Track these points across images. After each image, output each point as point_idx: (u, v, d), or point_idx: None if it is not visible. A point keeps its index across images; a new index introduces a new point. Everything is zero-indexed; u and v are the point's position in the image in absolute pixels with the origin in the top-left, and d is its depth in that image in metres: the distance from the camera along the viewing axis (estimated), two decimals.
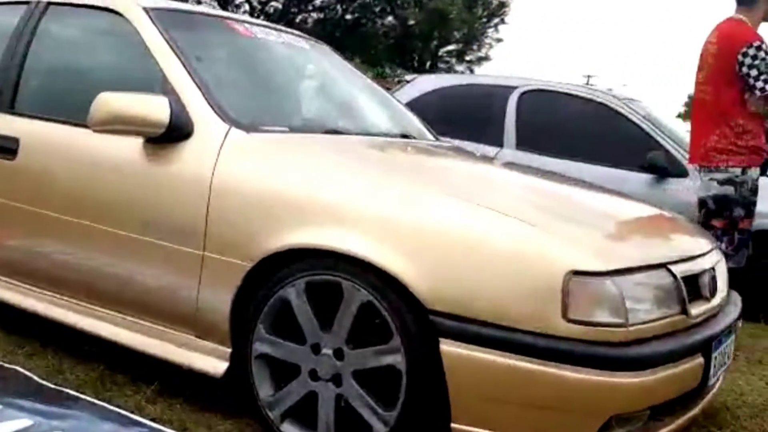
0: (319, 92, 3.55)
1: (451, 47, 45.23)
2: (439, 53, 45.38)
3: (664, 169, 5.06)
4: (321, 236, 2.35)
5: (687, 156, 4.61)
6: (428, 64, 45.55)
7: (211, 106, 2.72)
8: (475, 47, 45.14)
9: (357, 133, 3.20)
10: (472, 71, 46.12)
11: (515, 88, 5.80)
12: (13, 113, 3.16)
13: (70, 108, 3.04)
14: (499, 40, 48.04)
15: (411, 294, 2.19)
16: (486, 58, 45.71)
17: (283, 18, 39.58)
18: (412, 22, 43.06)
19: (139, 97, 2.68)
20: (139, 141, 2.74)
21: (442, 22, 42.65)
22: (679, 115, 57.48)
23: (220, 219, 2.54)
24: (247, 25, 3.46)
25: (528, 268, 2.12)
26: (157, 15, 3.04)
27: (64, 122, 3.02)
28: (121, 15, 3.08)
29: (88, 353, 2.99)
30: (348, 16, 39.90)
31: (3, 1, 3.58)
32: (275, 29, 3.66)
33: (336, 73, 3.83)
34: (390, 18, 43.57)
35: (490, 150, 5.22)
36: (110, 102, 2.63)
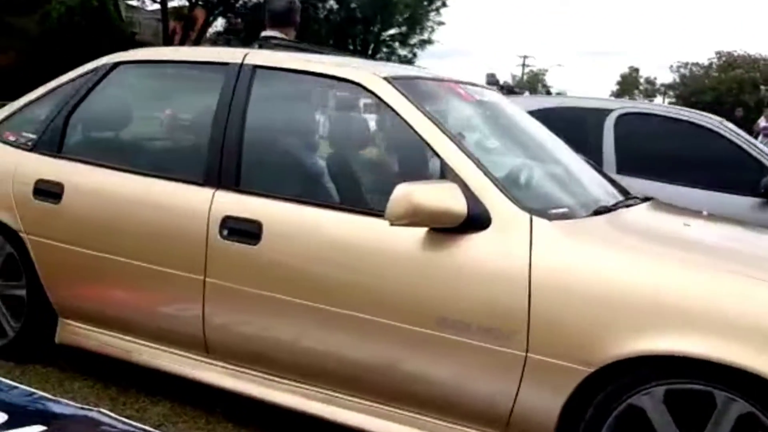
0: (544, 158, 3.39)
1: (393, 31, 45.06)
2: (382, 37, 45.13)
3: None
4: (683, 342, 2.24)
5: None
6: (371, 48, 45.28)
7: (503, 192, 2.58)
8: (417, 31, 45.04)
9: (607, 207, 3.02)
10: (414, 55, 46.09)
11: (611, 111, 5.74)
12: (242, 191, 2.94)
13: (319, 189, 2.86)
14: (440, 23, 48.17)
15: None
16: (429, 42, 45.69)
17: (224, 2, 38.68)
18: (354, 5, 42.64)
19: (435, 187, 2.52)
20: (416, 230, 2.57)
21: (385, 5, 42.36)
22: (612, 94, 59.28)
23: (546, 318, 2.40)
24: (462, 86, 3.30)
25: None
26: (402, 86, 2.87)
27: (314, 204, 2.82)
28: (360, 85, 2.89)
29: None
30: None
31: (190, 60, 3.34)
32: (471, 84, 3.50)
33: (534, 127, 3.66)
34: (332, 1, 42.98)
35: None
36: (411, 195, 2.46)
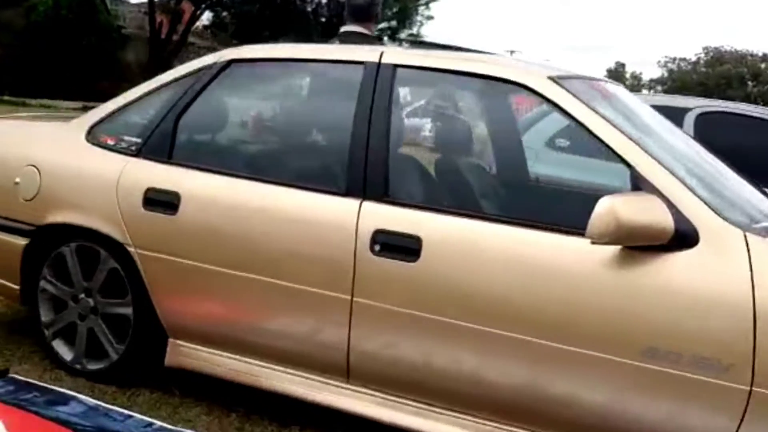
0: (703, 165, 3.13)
1: (382, 25, 44.71)
2: None
3: None
4: None
5: None
6: None
7: (709, 205, 2.33)
8: (407, 25, 44.70)
9: None
10: None
11: (691, 109, 5.53)
12: (393, 203, 2.67)
13: (485, 201, 2.60)
14: (430, 18, 47.88)
15: None
16: (418, 36, 45.39)
17: None
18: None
19: (638, 200, 2.28)
20: (612, 249, 2.32)
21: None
22: None
23: None
24: (600, 81, 3.04)
25: None
26: (569, 86, 2.62)
27: (481, 218, 2.57)
28: (522, 86, 2.63)
29: None
30: None
31: (315, 58, 3.06)
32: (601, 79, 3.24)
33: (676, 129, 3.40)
34: None
35: None
36: (616, 209, 2.21)
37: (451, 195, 2.73)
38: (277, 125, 3.19)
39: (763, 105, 46.64)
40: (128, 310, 3.13)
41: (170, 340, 3.09)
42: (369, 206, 2.67)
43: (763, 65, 52.54)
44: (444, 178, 2.81)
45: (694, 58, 57.10)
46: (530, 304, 2.43)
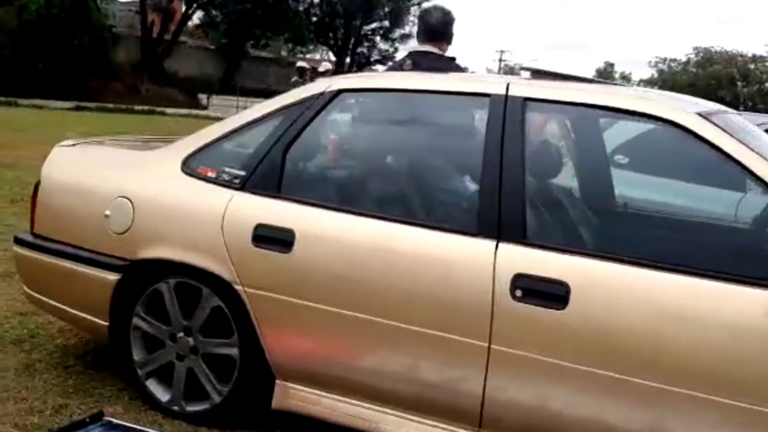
0: None
1: (375, 25, 44.64)
2: (363, 31, 44.69)
3: None
4: None
5: None
6: (351, 42, 44.82)
7: None
8: (399, 25, 44.65)
9: None
10: (396, 49, 45.73)
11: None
12: (532, 245, 2.56)
13: (641, 245, 2.49)
14: None
15: None
16: (410, 36, 45.32)
17: None
18: None
19: None
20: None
21: None
22: None
23: None
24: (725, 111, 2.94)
25: None
26: (720, 122, 2.52)
27: (638, 264, 2.44)
28: (670, 122, 2.53)
29: None
30: None
31: (433, 89, 2.94)
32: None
33: None
34: None
35: None
36: None
37: (598, 236, 2.62)
38: (396, 160, 3.05)
39: (752, 106, 46.98)
40: (233, 351, 3.00)
41: (278, 381, 2.97)
42: (506, 248, 2.55)
43: (752, 66, 52.84)
44: (589, 219, 2.70)
45: (684, 59, 57.48)
46: (701, 359, 2.32)
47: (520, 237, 2.56)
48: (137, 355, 3.21)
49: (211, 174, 3.09)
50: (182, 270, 3.05)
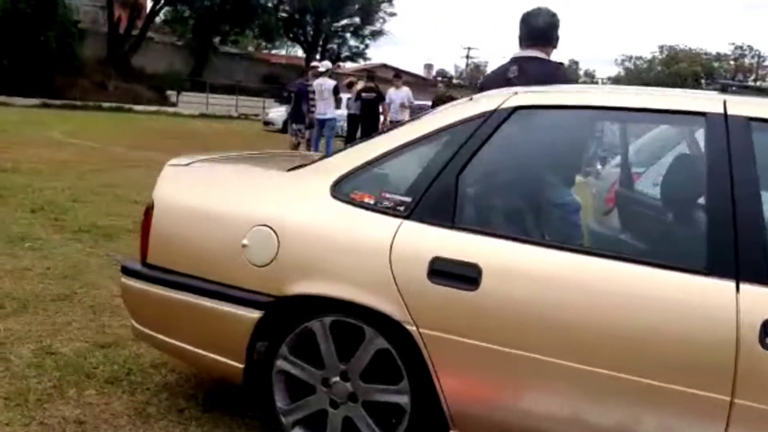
0: None
1: (345, 21, 44.19)
2: (333, 28, 44.24)
3: None
4: None
5: None
6: (322, 38, 44.35)
7: None
8: (370, 21, 44.28)
9: None
10: (367, 46, 45.42)
11: None
12: None
13: None
14: (392, 14, 47.57)
15: None
16: (381, 33, 45.07)
17: None
18: None
19: None
20: None
21: None
22: None
23: None
24: None
25: None
26: None
27: None
28: None
29: None
30: None
31: (634, 107, 2.65)
32: None
33: None
34: None
35: None
36: None
37: None
38: (595, 186, 2.75)
39: None
40: (402, 398, 2.69)
41: None
42: (750, 289, 2.27)
43: (716, 64, 53.61)
44: None
45: (649, 57, 58.08)
46: None
47: (764, 277, 2.28)
48: (281, 402, 2.88)
49: (368, 200, 2.77)
50: (340, 307, 2.72)
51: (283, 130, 23.88)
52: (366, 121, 14.22)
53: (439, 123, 2.81)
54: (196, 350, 3.01)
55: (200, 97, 36.67)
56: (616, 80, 59.13)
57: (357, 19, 43.76)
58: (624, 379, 2.38)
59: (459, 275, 2.54)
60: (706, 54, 53.49)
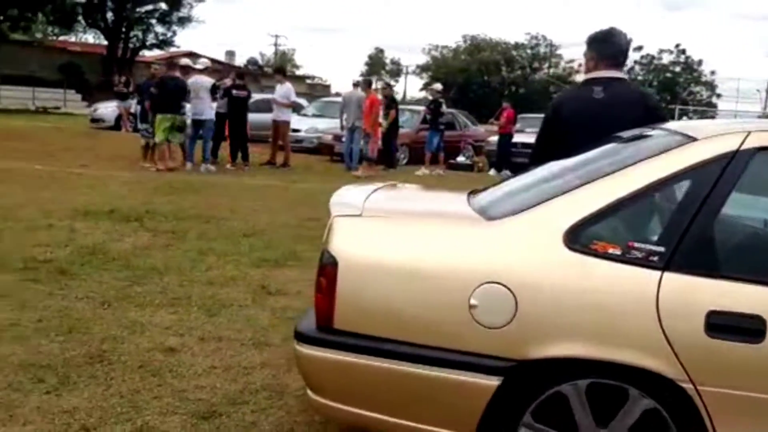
0: None
1: (149, 7, 41.97)
2: (137, 14, 41.93)
3: None
4: None
5: None
6: (124, 25, 41.97)
7: None
8: (177, 8, 42.37)
9: None
10: (174, 33, 43.48)
11: None
12: None
13: None
14: (200, 0, 45.64)
15: None
16: (188, 19, 43.32)
17: None
18: None
19: None
20: None
21: None
22: (362, 73, 60.88)
23: None
24: None
25: None
26: None
27: None
28: None
29: None
30: None
31: None
32: None
33: None
34: None
35: None
36: None
37: None
38: None
39: (515, 89, 50.45)
40: None
41: None
42: None
43: (515, 53, 56.70)
44: None
45: (454, 45, 60.19)
46: None
47: None
48: None
49: (613, 250, 2.59)
50: (596, 368, 2.54)
51: (116, 127, 22.34)
52: (234, 119, 13.60)
53: (673, 167, 2.68)
54: (410, 424, 2.70)
55: None
56: (425, 69, 60.87)
57: (163, 5, 41.74)
58: None
59: (741, 328, 2.45)
60: (505, 43, 56.50)
